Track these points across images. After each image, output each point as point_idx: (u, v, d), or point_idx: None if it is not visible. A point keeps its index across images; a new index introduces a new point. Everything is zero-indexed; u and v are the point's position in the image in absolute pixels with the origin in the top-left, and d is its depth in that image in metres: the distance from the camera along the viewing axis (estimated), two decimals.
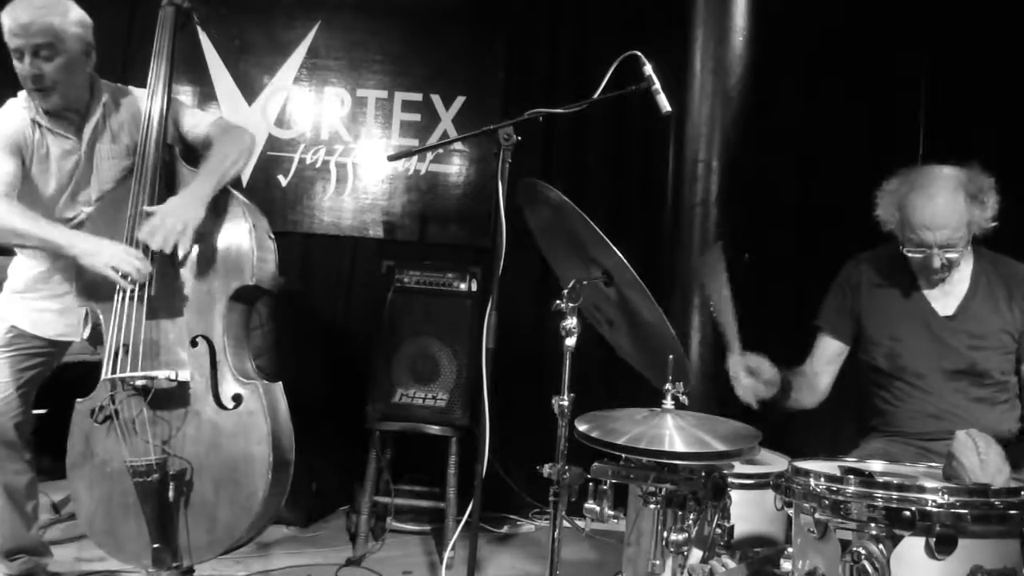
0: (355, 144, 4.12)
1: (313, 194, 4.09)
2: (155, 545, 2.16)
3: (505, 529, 3.69)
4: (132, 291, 2.22)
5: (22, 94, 2.34)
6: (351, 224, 4.11)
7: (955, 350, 2.19)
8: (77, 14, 2.30)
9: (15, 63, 2.25)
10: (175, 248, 2.23)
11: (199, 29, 4.06)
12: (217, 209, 2.31)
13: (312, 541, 3.38)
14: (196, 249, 2.30)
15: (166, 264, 2.28)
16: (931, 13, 3.78)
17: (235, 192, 2.37)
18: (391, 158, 2.99)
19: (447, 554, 3.04)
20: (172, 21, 2.45)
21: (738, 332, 2.18)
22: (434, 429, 3.27)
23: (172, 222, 2.21)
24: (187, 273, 2.30)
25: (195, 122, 2.48)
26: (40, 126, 2.34)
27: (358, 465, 3.37)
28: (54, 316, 2.44)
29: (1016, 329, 2.19)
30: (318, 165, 4.10)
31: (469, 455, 3.00)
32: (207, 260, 2.31)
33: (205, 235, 2.30)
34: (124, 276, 2.19)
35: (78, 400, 2.29)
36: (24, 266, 2.47)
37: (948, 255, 2.11)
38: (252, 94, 4.11)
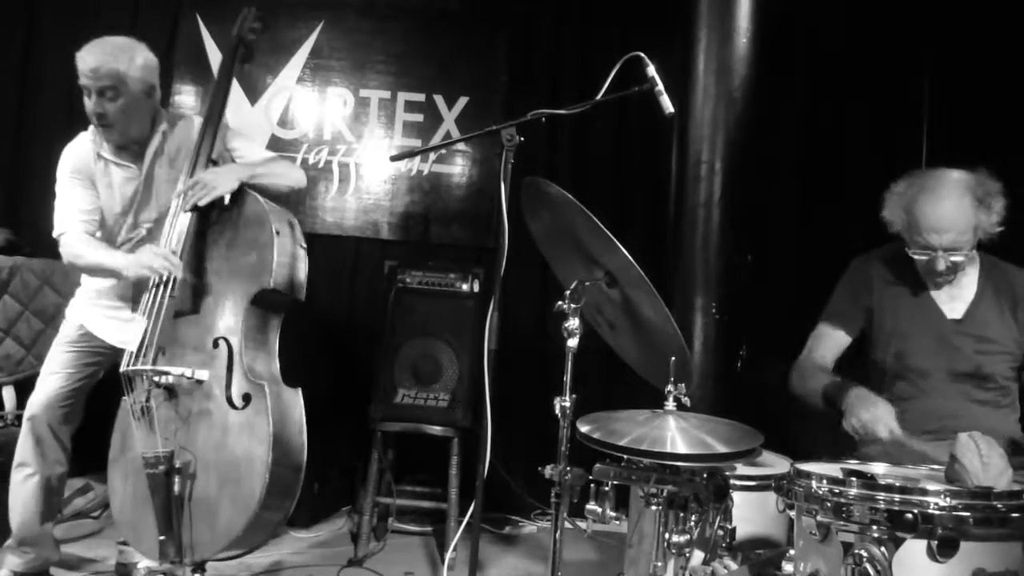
0: (358, 144, 4.12)
1: (316, 194, 4.09)
2: (161, 537, 2.19)
3: (507, 530, 3.69)
4: (159, 293, 2.34)
5: (91, 128, 2.55)
6: (354, 224, 4.11)
7: (962, 353, 2.19)
8: (142, 59, 2.48)
9: (84, 99, 2.45)
10: (205, 249, 2.38)
11: (202, 28, 4.08)
12: (245, 216, 2.41)
13: (314, 541, 3.38)
14: (222, 254, 2.40)
15: (192, 266, 2.38)
16: (935, 13, 3.78)
17: (264, 201, 2.44)
18: (394, 158, 2.98)
19: (448, 555, 3.04)
20: (233, 53, 2.65)
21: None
22: (436, 430, 3.27)
23: (197, 181, 2.39)
24: (213, 277, 2.39)
25: (251, 151, 2.66)
26: (104, 159, 2.54)
27: (360, 466, 3.37)
28: (120, 324, 2.56)
29: (1021, 336, 2.20)
30: (321, 165, 4.11)
31: (471, 456, 3.00)
32: (231, 264, 2.38)
33: (232, 240, 2.40)
34: (153, 269, 2.34)
35: (124, 398, 2.36)
36: (94, 280, 2.64)
37: (953, 258, 2.11)
38: (255, 94, 4.12)
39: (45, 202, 3.98)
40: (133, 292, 2.50)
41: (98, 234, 2.58)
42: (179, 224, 2.39)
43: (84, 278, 2.68)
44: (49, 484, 2.52)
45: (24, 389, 3.22)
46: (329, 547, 3.31)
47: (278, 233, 2.37)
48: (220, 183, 2.39)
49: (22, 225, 3.74)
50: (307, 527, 3.48)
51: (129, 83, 2.44)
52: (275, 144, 4.08)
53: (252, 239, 2.38)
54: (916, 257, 2.15)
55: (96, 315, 2.61)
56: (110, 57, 2.42)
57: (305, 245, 2.51)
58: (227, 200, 2.42)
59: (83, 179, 2.54)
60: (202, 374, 2.29)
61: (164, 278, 2.33)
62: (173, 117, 2.64)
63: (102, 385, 2.64)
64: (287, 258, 2.40)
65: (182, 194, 2.41)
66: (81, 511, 3.31)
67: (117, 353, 2.54)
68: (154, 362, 2.31)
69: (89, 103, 2.44)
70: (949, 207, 2.08)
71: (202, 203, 2.37)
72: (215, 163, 2.51)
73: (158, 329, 2.32)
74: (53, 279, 3.46)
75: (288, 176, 2.56)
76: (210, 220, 2.43)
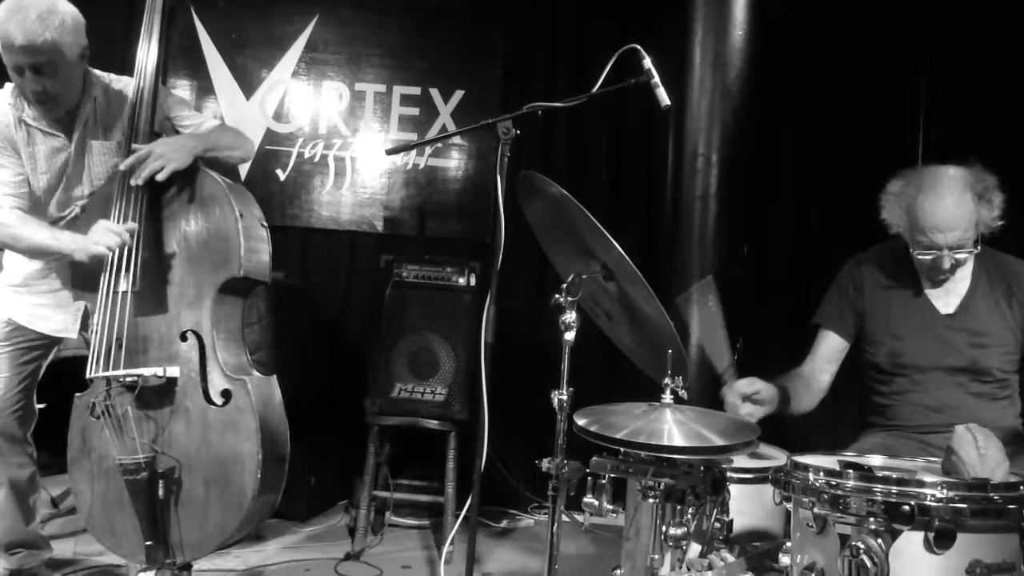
0: (353, 138, 4.11)
1: (311, 188, 4.09)
2: (147, 543, 2.14)
3: (504, 523, 3.69)
4: (117, 286, 2.20)
5: (9, 87, 2.30)
6: (350, 218, 4.10)
7: (956, 348, 2.19)
8: (70, 20, 2.20)
9: (12, 74, 2.21)
10: (161, 234, 2.23)
11: (197, 22, 4.06)
12: (203, 197, 2.27)
13: (311, 535, 3.38)
14: (182, 241, 2.27)
15: (153, 256, 2.25)
16: (932, 12, 3.78)
17: (221, 179, 2.32)
18: (389, 152, 2.98)
19: (446, 548, 3.04)
20: (161, 3, 2.37)
21: (732, 362, 2.13)
22: (433, 424, 3.27)
23: (147, 153, 2.20)
24: (174, 266, 2.26)
25: (197, 122, 2.46)
26: (27, 125, 2.31)
27: (357, 460, 3.37)
28: (51, 311, 2.42)
29: (1017, 326, 2.19)
30: (316, 159, 4.10)
31: (468, 450, 3.00)
32: (193, 252, 2.26)
33: (191, 225, 2.27)
34: (109, 248, 2.17)
35: (77, 395, 2.29)
36: (20, 261, 2.43)
37: (957, 256, 2.10)
38: (250, 88, 4.11)
39: None
40: (72, 273, 2.31)
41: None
42: (128, 204, 2.22)
43: (6, 263, 2.45)
44: (19, 489, 2.41)
45: None
46: (326, 541, 3.31)
47: (242, 216, 2.24)
48: (174, 156, 2.19)
49: None
50: (304, 521, 3.48)
51: (66, 52, 2.17)
52: (270, 138, 4.08)
53: (215, 224, 2.23)
54: (920, 257, 2.13)
55: (24, 304, 2.41)
56: (40, 26, 2.10)
57: (266, 224, 2.37)
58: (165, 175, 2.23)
59: (4, 146, 2.28)
60: (173, 371, 2.18)
61: (119, 264, 2.18)
62: (107, 83, 2.40)
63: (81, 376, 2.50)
64: (253, 242, 2.26)
65: (128, 169, 2.21)
66: (75, 506, 3.29)
67: (54, 342, 2.44)
68: (102, 358, 2.19)
69: (23, 81, 2.18)
70: (951, 205, 2.06)
71: (160, 177, 2.19)
72: (157, 135, 2.33)
73: (116, 325, 2.19)
74: None
75: (240, 147, 2.42)
76: (163, 202, 2.27)
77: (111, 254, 2.18)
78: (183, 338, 2.23)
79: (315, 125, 4.12)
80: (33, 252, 2.32)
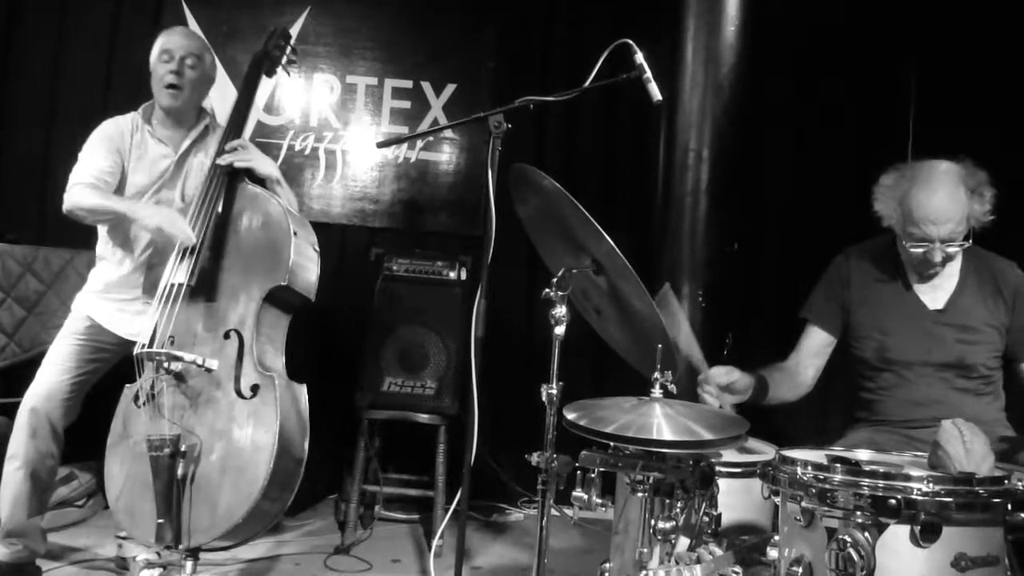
0: (344, 131, 4.09)
1: (302, 181, 4.06)
2: (159, 520, 2.20)
3: (494, 517, 3.70)
4: (177, 283, 2.40)
5: (135, 112, 2.72)
6: (340, 212, 4.09)
7: (944, 343, 2.21)
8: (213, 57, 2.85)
9: (160, 65, 2.67)
10: (224, 242, 2.48)
11: (187, 14, 4.03)
12: (267, 215, 2.51)
13: (301, 530, 3.38)
14: (240, 250, 2.47)
15: (213, 259, 2.45)
16: (921, 13, 3.79)
17: (285, 204, 2.55)
18: (380, 145, 2.98)
19: (435, 542, 3.05)
20: (258, 67, 2.81)
21: (703, 359, 2.14)
22: (423, 417, 3.27)
23: (242, 143, 2.62)
24: (230, 270, 2.45)
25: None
26: (144, 131, 2.69)
27: (347, 454, 3.37)
28: (129, 316, 2.61)
29: (1002, 324, 2.21)
30: (307, 152, 4.08)
31: (458, 444, 3.00)
32: (248, 259, 2.46)
33: (251, 238, 2.49)
34: (185, 238, 2.42)
35: (127, 385, 2.41)
36: (104, 272, 2.68)
37: (949, 249, 2.12)
38: (241, 80, 4.06)
39: (29, 188, 3.93)
40: (144, 281, 2.57)
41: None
42: (203, 210, 2.47)
43: (91, 275, 2.70)
44: (39, 479, 2.50)
45: (7, 377, 3.19)
46: (316, 535, 3.31)
47: (295, 234, 2.47)
48: (259, 158, 2.60)
49: (7, 212, 3.71)
50: (294, 515, 3.48)
51: (206, 63, 2.75)
52: (261, 130, 4.05)
53: (271, 237, 2.47)
54: (913, 250, 2.15)
55: (105, 308, 2.63)
56: (196, 38, 2.81)
57: (318, 248, 2.60)
58: (243, 188, 2.54)
59: (110, 145, 2.63)
60: (212, 363, 2.33)
61: (181, 259, 2.40)
62: (213, 121, 2.82)
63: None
64: (302, 259, 2.51)
65: (221, 160, 2.53)
66: (65, 500, 3.28)
67: (124, 347, 2.58)
68: (150, 340, 2.34)
69: (167, 66, 2.65)
70: (944, 198, 2.08)
71: (238, 164, 2.54)
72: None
73: (174, 317, 2.36)
74: (35, 266, 3.42)
75: (292, 200, 2.71)
76: (232, 216, 2.52)
77: (178, 246, 2.43)
78: (227, 336, 2.38)
79: (306, 118, 4.10)
80: (93, 212, 2.55)
